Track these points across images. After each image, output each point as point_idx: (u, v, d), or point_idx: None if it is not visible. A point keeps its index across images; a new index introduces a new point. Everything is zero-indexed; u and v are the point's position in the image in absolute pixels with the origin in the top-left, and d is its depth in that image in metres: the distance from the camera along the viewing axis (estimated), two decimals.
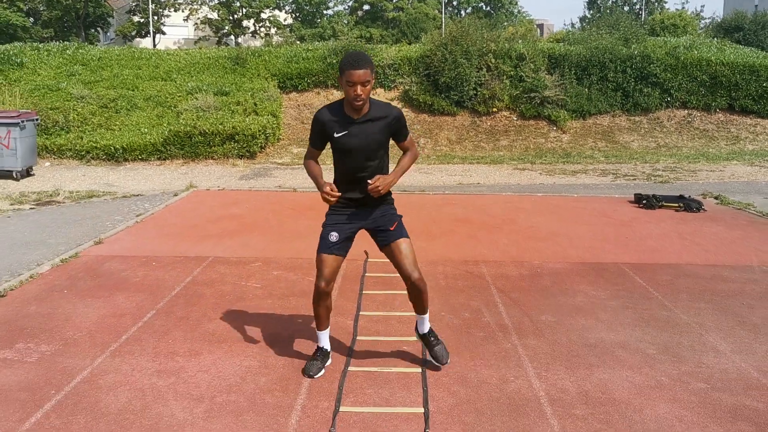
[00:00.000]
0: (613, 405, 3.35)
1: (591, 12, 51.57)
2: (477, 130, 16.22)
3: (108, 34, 52.58)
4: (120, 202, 9.24)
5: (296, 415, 3.22)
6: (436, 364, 3.70)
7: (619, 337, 4.25)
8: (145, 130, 13.95)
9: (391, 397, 3.42)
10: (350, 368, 3.74)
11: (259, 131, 13.80)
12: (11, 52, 16.61)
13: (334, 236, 3.54)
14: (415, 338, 4.19)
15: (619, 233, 7.23)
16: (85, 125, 14.12)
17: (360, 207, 3.57)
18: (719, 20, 26.46)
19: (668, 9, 46.77)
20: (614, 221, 7.87)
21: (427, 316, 3.75)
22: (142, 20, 46.29)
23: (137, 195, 9.84)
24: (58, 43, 18.46)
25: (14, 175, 11.24)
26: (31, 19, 37.29)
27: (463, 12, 58.88)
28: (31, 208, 8.80)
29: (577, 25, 47.70)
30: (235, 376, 3.64)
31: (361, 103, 3.35)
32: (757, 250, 6.48)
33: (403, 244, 3.56)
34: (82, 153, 13.29)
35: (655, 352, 4.01)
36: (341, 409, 3.28)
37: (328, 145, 3.56)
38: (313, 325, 3.81)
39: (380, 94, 16.72)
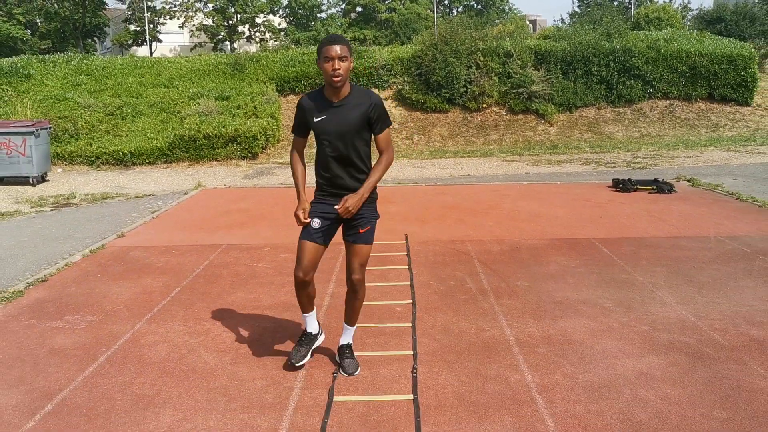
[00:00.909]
0: (570, 344, 4.03)
1: (581, 7, 52.21)
2: (468, 126, 16.92)
3: (104, 43, 53.25)
4: (134, 201, 9.93)
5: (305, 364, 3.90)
6: (344, 374, 3.66)
7: (582, 296, 4.93)
8: (151, 135, 14.64)
9: (386, 344, 4.11)
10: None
11: (260, 133, 14.50)
12: (18, 65, 17.31)
13: (316, 223, 3.55)
14: (406, 302, 4.87)
15: (595, 213, 7.92)
16: (93, 132, 14.81)
17: (340, 195, 3.53)
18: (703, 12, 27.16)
19: (657, 1, 47.52)
20: (591, 203, 8.56)
21: (353, 329, 3.78)
22: (138, 29, 46.97)
23: (149, 195, 10.52)
24: (63, 54, 19.15)
25: (31, 181, 11.91)
26: (29, 31, 37.98)
27: (455, 11, 59.57)
28: (51, 210, 9.48)
29: (567, 20, 48.35)
30: (254, 334, 4.33)
31: (339, 79, 3.29)
32: (716, 224, 7.17)
33: (361, 249, 3.57)
34: (92, 159, 13.99)
35: (611, 305, 4.70)
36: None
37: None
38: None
39: None
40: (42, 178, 12.26)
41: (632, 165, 12.27)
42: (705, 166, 11.80)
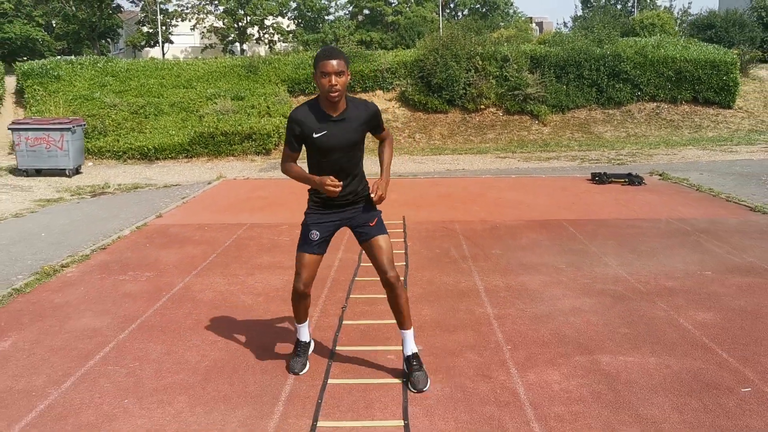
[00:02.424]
0: (526, 291, 5.20)
1: (585, 11, 53.22)
2: (467, 126, 18.09)
3: (118, 44, 54.67)
4: (163, 190, 11.15)
5: (322, 302, 5.08)
6: (412, 389, 3.51)
7: (543, 260, 6.10)
8: (173, 132, 15.87)
9: (382, 291, 5.27)
10: (357, 278, 5.61)
11: (273, 131, 15.70)
12: (48, 67, 18.57)
13: (315, 235, 3.58)
14: (400, 263, 6.05)
15: (570, 201, 9.08)
16: (119, 129, 16.06)
17: (338, 206, 3.58)
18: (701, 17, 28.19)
19: (660, 6, 48.52)
20: (569, 193, 9.71)
21: (410, 332, 3.65)
22: (151, 30, 48.33)
23: (175, 185, 11.74)
24: (89, 57, 20.41)
25: (67, 172, 13.13)
26: (47, 34, 39.33)
27: (460, 14, 60.69)
28: (91, 197, 10.70)
29: (570, 24, 49.43)
30: (280, 284, 5.51)
31: (336, 94, 3.26)
32: (671, 209, 8.32)
33: (381, 240, 3.57)
34: (120, 153, 15.22)
35: (564, 267, 5.87)
36: (351, 296, 5.15)
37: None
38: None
39: (379, 95, 18.61)
40: (76, 171, 13.49)
41: (614, 161, 13.42)
42: (678, 163, 12.94)
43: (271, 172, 13.26)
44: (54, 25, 41.06)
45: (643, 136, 17.29)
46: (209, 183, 11.47)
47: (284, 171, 3.58)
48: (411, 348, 3.63)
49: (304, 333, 3.87)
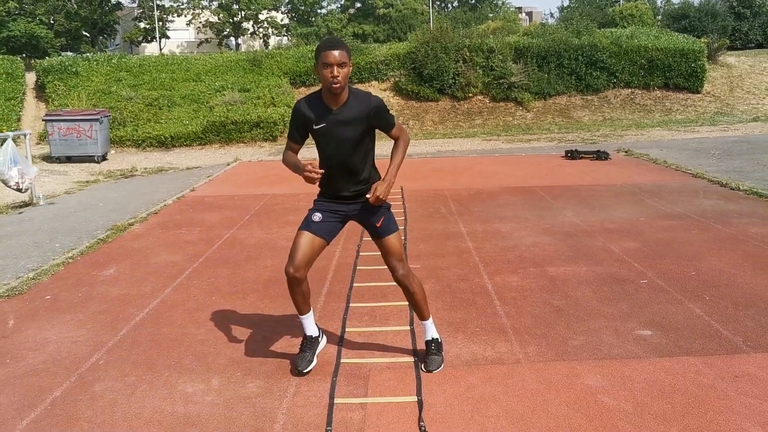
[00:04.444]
0: (499, 233, 6.71)
1: (572, 1, 54.63)
2: (456, 113, 19.58)
3: (114, 40, 55.84)
4: (187, 172, 12.60)
5: (339, 253, 6.56)
6: (423, 369, 3.61)
7: (515, 213, 7.61)
8: (186, 122, 17.29)
9: None
10: (364, 239, 7.09)
11: (279, 119, 17.14)
12: (66, 63, 19.91)
13: (317, 216, 3.51)
14: (400, 218, 7.53)
15: (543, 173, 10.59)
16: (137, 120, 17.46)
17: (346, 200, 3.53)
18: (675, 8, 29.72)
19: None
20: (543, 167, 11.23)
21: (429, 321, 3.69)
22: (147, 26, 49.56)
23: (196, 167, 13.18)
24: (103, 54, 21.74)
25: (95, 159, 14.56)
26: (50, 31, 40.49)
27: (450, 6, 62.03)
28: (125, 179, 12.14)
29: (556, 14, 50.87)
30: None
31: (338, 86, 3.20)
32: (627, 177, 9.84)
33: (390, 240, 3.55)
34: (139, 142, 16.64)
35: (531, 217, 7.38)
36: (361, 249, 6.65)
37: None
38: None
39: (374, 86, 20.07)
40: (103, 157, 14.91)
41: (587, 141, 14.94)
42: (644, 141, 14.47)
43: (279, 156, 14.72)
44: (53, 22, 42.27)
45: (617, 120, 18.83)
46: (228, 165, 12.94)
47: (283, 161, 3.59)
48: (430, 334, 3.71)
49: (310, 326, 3.68)
